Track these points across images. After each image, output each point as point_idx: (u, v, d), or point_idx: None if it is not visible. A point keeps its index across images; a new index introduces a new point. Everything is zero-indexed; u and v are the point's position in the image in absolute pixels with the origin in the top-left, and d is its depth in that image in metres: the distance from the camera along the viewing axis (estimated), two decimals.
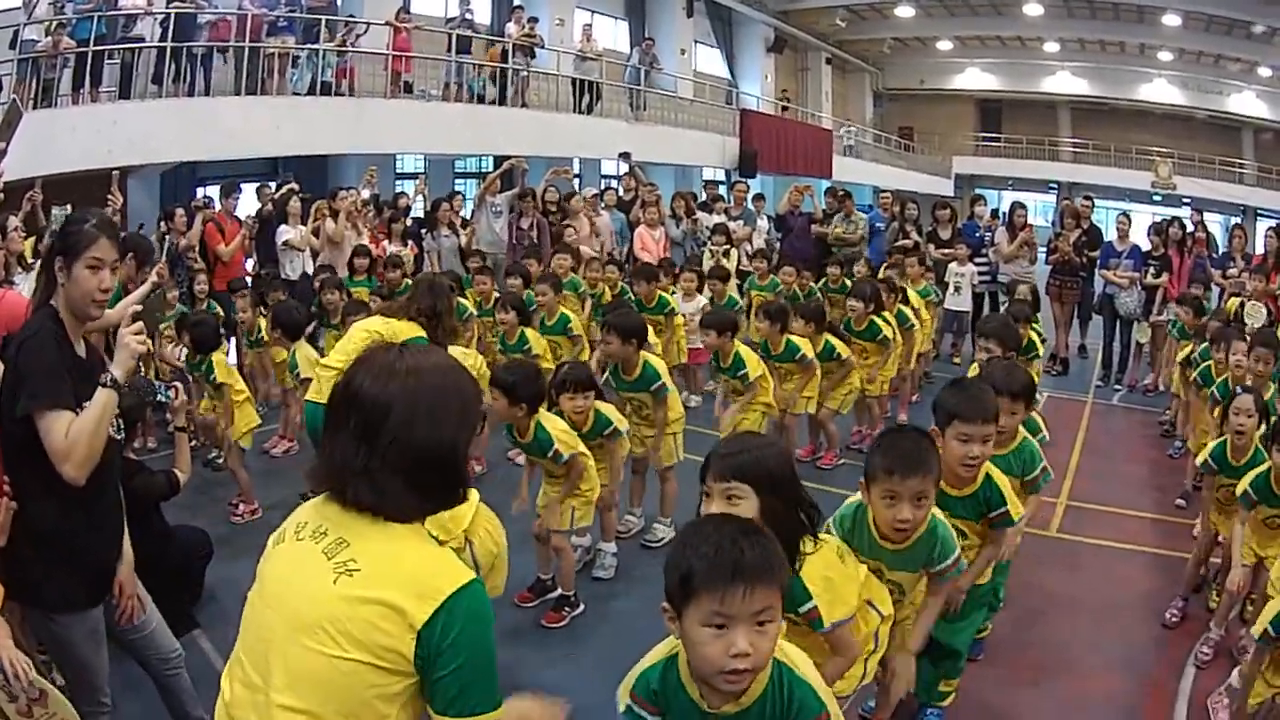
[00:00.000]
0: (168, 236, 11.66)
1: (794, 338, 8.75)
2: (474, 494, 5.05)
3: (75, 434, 3.49)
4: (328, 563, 2.43)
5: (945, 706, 5.24)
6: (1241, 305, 11.15)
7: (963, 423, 4.53)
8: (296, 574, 2.50)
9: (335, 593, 2.38)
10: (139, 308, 4.79)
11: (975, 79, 44.16)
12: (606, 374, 7.65)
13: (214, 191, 13.84)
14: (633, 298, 10.89)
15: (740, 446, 3.64)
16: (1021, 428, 5.45)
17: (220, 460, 8.85)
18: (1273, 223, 17.68)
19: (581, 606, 6.58)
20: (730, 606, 2.52)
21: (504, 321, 9.32)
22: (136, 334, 3.71)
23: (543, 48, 22.16)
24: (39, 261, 4.51)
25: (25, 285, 7.07)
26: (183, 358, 8.58)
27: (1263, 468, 5.86)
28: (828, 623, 3.60)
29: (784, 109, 33.77)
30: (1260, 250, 13.77)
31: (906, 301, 11.49)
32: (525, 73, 21.22)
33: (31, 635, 4.14)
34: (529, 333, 9.43)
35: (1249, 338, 8.23)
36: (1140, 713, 5.54)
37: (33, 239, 9.28)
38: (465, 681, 2.38)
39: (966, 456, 4.55)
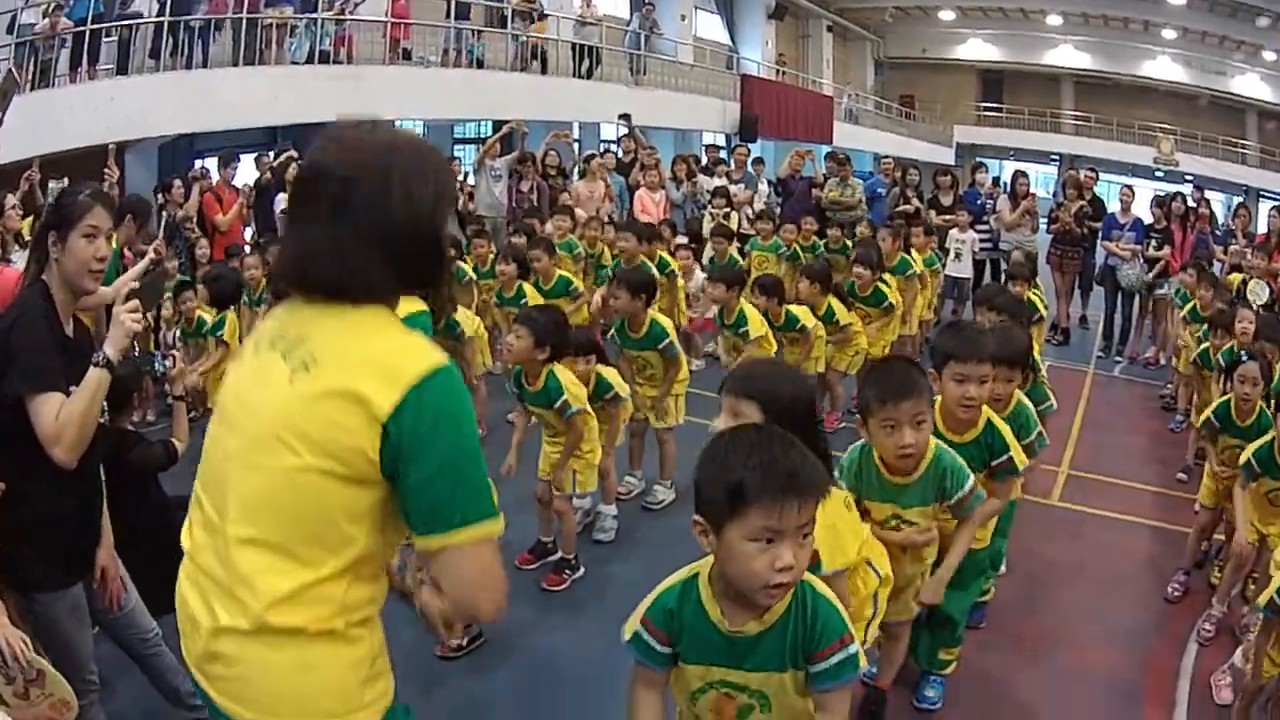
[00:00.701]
0: (165, 208, 11.61)
1: (794, 308, 8.67)
2: None
3: (66, 417, 3.41)
4: (284, 364, 2.25)
5: (946, 675, 5.23)
6: (1244, 283, 11.10)
7: (958, 363, 4.57)
8: (253, 388, 2.33)
9: (291, 393, 2.20)
10: (135, 285, 4.73)
11: (977, 49, 44.01)
12: (611, 333, 7.60)
13: (212, 163, 13.77)
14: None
15: (758, 370, 3.61)
16: (1020, 394, 5.45)
17: None
18: (1275, 203, 17.65)
19: (582, 569, 6.56)
20: (784, 520, 2.49)
21: (503, 273, 9.29)
22: (132, 312, 3.64)
23: (544, 16, 22.01)
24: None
25: (22, 262, 7.05)
26: (178, 333, 8.60)
27: (1266, 438, 5.82)
28: (827, 568, 3.47)
29: (780, 74, 33.59)
30: (1263, 229, 13.75)
31: (909, 250, 11.57)
32: (524, 37, 21.11)
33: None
34: (526, 286, 9.42)
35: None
36: (1141, 688, 5.51)
37: (30, 218, 9.24)
38: (448, 484, 2.17)
39: (963, 397, 4.58)
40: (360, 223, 2.22)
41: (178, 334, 9.20)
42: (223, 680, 2.32)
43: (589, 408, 6.40)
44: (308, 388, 2.19)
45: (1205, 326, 9.25)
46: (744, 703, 2.77)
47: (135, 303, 3.71)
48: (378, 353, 2.21)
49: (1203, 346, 9.00)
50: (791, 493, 2.49)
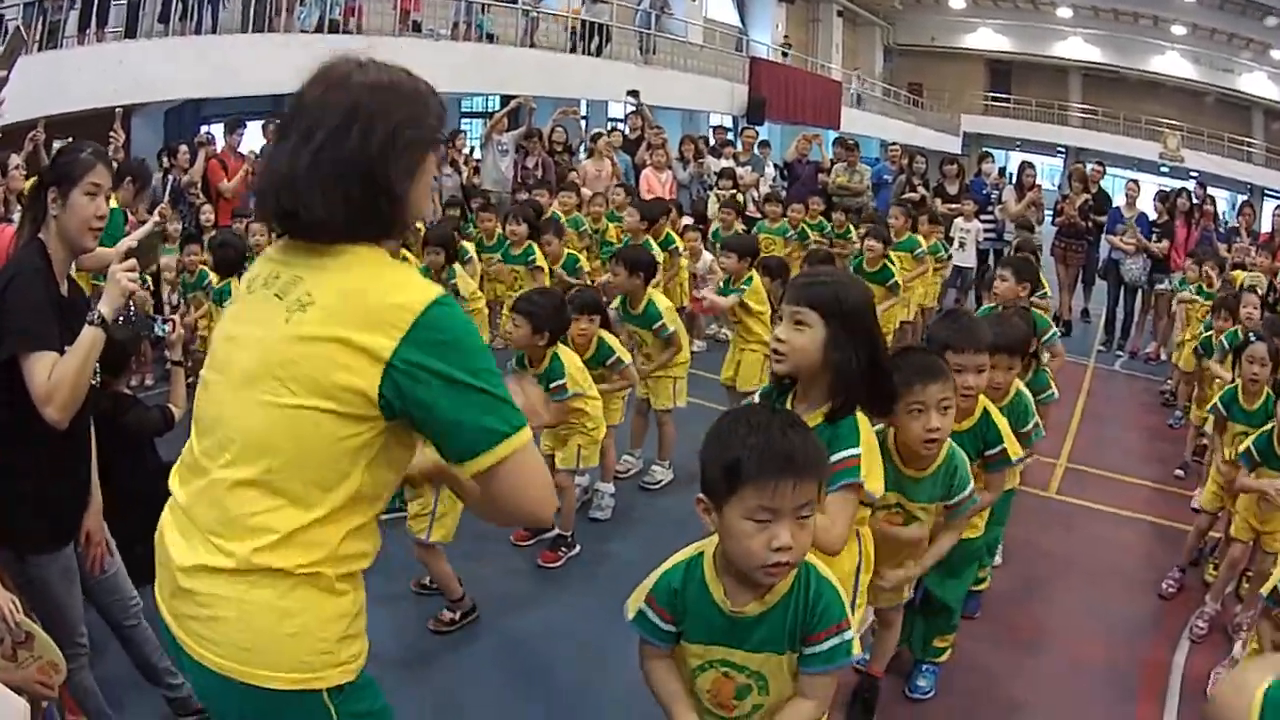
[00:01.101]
0: (170, 173, 11.58)
1: None
2: None
3: (59, 375, 3.38)
4: (279, 304, 2.24)
5: (940, 663, 5.22)
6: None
7: (955, 353, 4.49)
8: (247, 327, 2.32)
9: (287, 332, 2.19)
10: (134, 244, 4.72)
11: (986, 39, 44.03)
12: (616, 303, 7.58)
13: (218, 129, 13.74)
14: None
15: (818, 276, 3.56)
16: (1019, 383, 5.42)
17: None
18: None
19: (578, 547, 6.55)
20: (778, 500, 2.50)
21: (514, 233, 9.29)
22: (129, 270, 3.62)
23: None
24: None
25: None
26: (180, 288, 8.59)
27: (1267, 426, 5.82)
28: (866, 485, 3.39)
29: (784, 54, 33.49)
30: (1267, 228, 13.74)
31: (916, 229, 11.72)
32: (534, 13, 21.06)
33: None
34: (535, 246, 9.46)
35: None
36: (1134, 683, 5.51)
37: (35, 178, 9.20)
38: (469, 408, 2.16)
39: (961, 386, 4.43)
40: (318, 154, 2.22)
41: (180, 291, 9.20)
42: (192, 620, 2.30)
43: (593, 391, 6.39)
44: (305, 328, 2.18)
45: (1209, 316, 9.21)
46: (742, 683, 2.77)
47: (132, 261, 3.70)
48: (374, 291, 2.20)
49: (1205, 334, 8.99)
50: (788, 473, 2.49)
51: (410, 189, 2.32)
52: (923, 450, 4.11)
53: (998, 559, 6.41)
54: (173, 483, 2.46)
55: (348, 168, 2.22)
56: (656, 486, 7.68)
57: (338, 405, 2.15)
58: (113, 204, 8.53)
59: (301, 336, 2.18)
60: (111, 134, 10.34)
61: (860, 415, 3.44)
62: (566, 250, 9.89)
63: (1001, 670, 5.52)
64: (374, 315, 2.15)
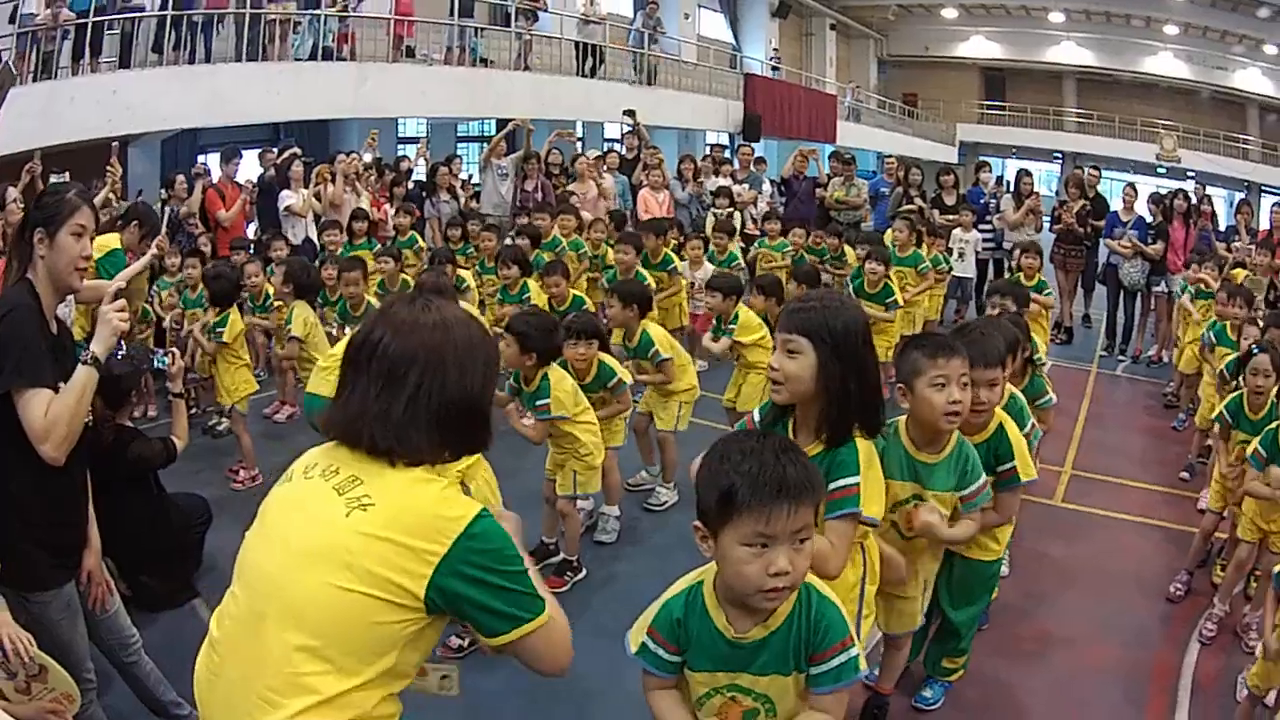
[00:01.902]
0: (169, 204, 11.60)
1: None
2: None
3: (55, 414, 3.43)
4: (339, 498, 2.40)
5: (952, 681, 5.24)
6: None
7: (969, 368, 4.44)
8: (305, 508, 2.47)
9: (348, 525, 2.34)
10: (124, 285, 4.74)
11: (980, 47, 44.04)
12: (617, 338, 7.60)
13: (214, 159, 13.77)
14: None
15: (810, 302, 3.52)
16: (1011, 386, 5.38)
17: (220, 427, 8.86)
18: (1277, 199, 17.62)
19: (584, 571, 6.56)
20: (773, 526, 2.50)
21: (505, 277, 9.31)
22: (119, 310, 3.65)
23: (546, 11, 22.02)
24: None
25: None
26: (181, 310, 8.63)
27: (1272, 425, 5.82)
28: (865, 512, 3.45)
29: (774, 68, 33.45)
30: (1265, 226, 13.74)
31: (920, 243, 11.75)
32: (527, 36, 21.10)
33: None
34: (530, 283, 9.46)
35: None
36: (1143, 688, 5.51)
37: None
38: (500, 602, 2.39)
39: (974, 402, 4.45)
40: (416, 400, 2.45)
41: (179, 304, 9.23)
42: None
43: (579, 416, 6.37)
44: (364, 528, 2.34)
45: (1213, 322, 9.18)
46: (749, 706, 2.76)
47: (122, 301, 3.73)
48: (426, 505, 2.39)
49: (1211, 320, 8.99)
50: (782, 499, 2.50)
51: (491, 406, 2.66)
52: (943, 425, 4.15)
53: (1004, 569, 6.38)
54: (214, 624, 2.60)
55: (455, 407, 2.49)
56: (662, 508, 7.69)
57: (386, 594, 2.32)
58: (116, 244, 8.59)
59: (362, 534, 2.33)
60: (109, 167, 10.37)
61: (859, 439, 3.48)
62: (572, 292, 9.88)
63: (1010, 679, 5.53)
64: (428, 525, 2.35)
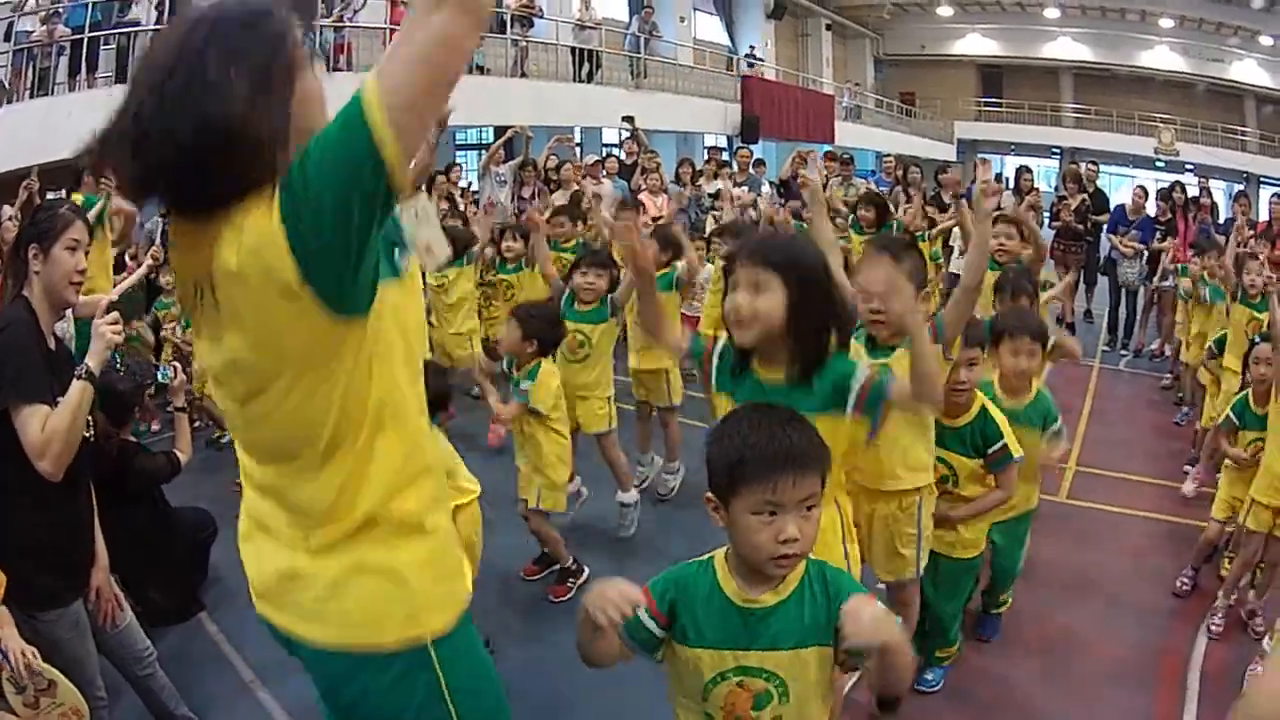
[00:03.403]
0: (166, 217, 11.60)
1: None
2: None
3: (51, 429, 3.44)
4: None
5: (946, 665, 5.42)
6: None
7: (965, 348, 4.72)
8: None
9: None
10: (114, 298, 4.77)
11: (976, 44, 44.09)
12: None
13: None
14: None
15: (777, 240, 3.62)
16: (1038, 383, 5.49)
17: (224, 440, 8.87)
18: (1275, 190, 17.58)
19: (586, 572, 6.46)
20: (780, 494, 2.52)
21: (510, 248, 9.31)
22: (112, 324, 3.66)
23: (541, 17, 22.06)
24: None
25: None
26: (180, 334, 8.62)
27: (1243, 393, 6.10)
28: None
29: (751, 65, 33.39)
30: (1265, 217, 13.75)
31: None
32: (523, 42, 21.12)
33: None
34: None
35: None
36: (1151, 682, 5.51)
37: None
38: None
39: (956, 381, 4.71)
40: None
41: (181, 320, 9.25)
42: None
43: (552, 418, 6.24)
44: None
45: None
46: (760, 689, 2.70)
47: (115, 315, 3.74)
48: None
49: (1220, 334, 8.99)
50: (788, 468, 2.52)
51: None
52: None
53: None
54: None
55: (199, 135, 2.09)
56: (670, 494, 7.76)
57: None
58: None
59: None
60: (103, 180, 10.37)
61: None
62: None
63: (1018, 676, 5.53)
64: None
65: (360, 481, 2.26)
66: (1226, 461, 6.58)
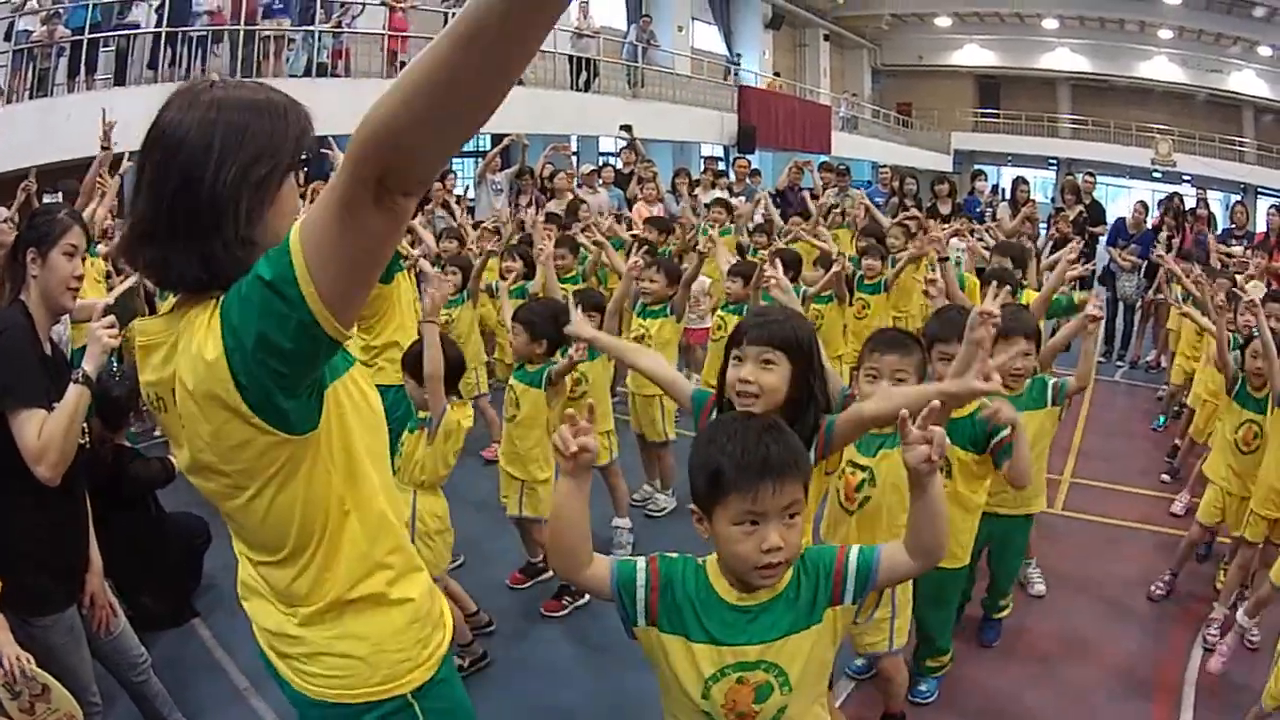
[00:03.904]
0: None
1: None
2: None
3: (48, 434, 3.42)
4: None
5: (940, 675, 5.44)
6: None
7: (943, 344, 4.88)
8: None
9: None
10: (110, 302, 4.77)
11: (974, 55, 44.16)
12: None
13: None
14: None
15: (774, 316, 3.64)
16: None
17: None
18: (1273, 201, 17.59)
19: (586, 596, 6.33)
20: (761, 504, 2.55)
21: (509, 269, 9.31)
22: (108, 327, 3.66)
23: None
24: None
25: None
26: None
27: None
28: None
29: (728, 72, 33.38)
30: (1262, 228, 13.78)
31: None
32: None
33: None
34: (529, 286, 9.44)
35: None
36: (1148, 692, 5.52)
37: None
38: None
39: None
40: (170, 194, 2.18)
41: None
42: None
43: (561, 385, 6.21)
44: None
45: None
46: (761, 681, 2.70)
47: (111, 319, 3.73)
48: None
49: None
50: (767, 476, 2.55)
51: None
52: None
53: (1041, 588, 6.66)
54: None
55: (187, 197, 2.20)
56: (661, 514, 7.78)
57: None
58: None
59: None
60: (100, 181, 10.35)
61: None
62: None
63: (1014, 687, 5.53)
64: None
65: (328, 572, 2.37)
66: (1212, 471, 6.59)
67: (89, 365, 3.57)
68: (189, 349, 2.09)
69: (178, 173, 2.14)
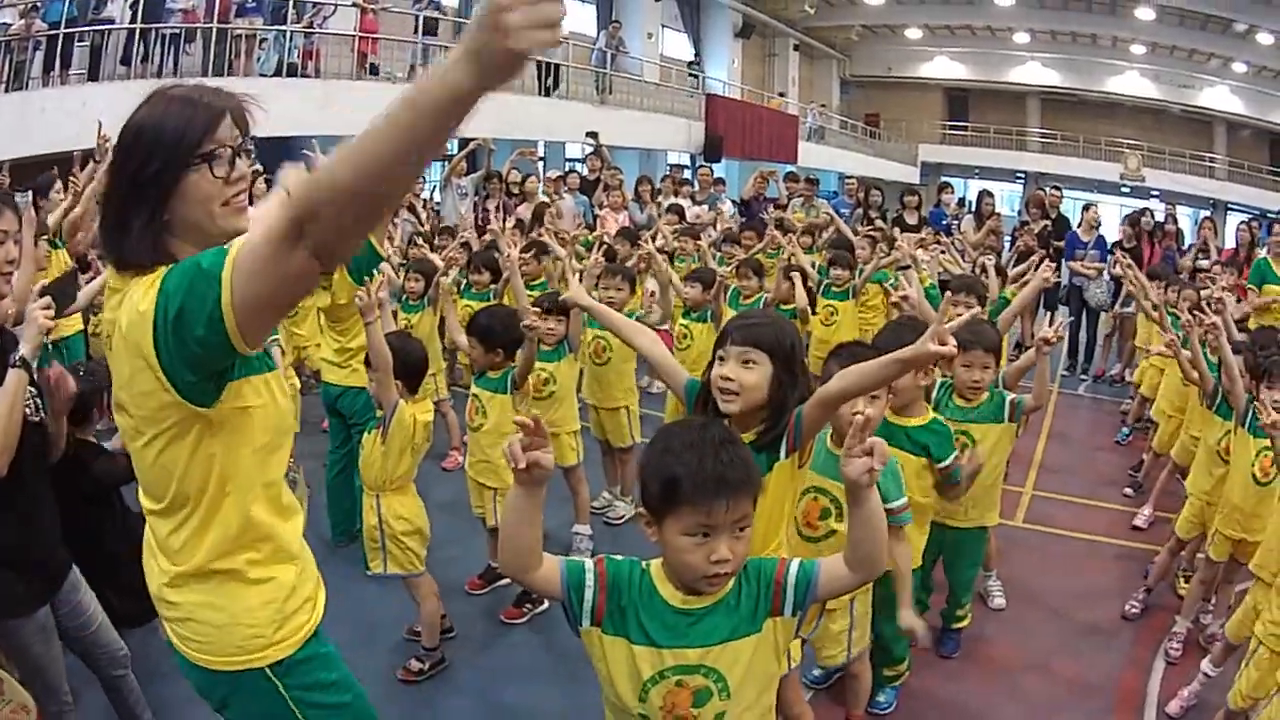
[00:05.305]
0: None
1: None
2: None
3: None
4: None
5: (897, 686, 5.45)
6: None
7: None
8: None
9: None
10: (46, 281, 4.73)
11: (943, 68, 44.38)
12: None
13: None
14: None
15: (759, 318, 3.72)
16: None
17: None
18: (1243, 217, 17.66)
19: (546, 603, 6.24)
20: (714, 518, 2.55)
21: (477, 282, 9.26)
22: (45, 309, 3.59)
23: None
24: None
25: None
26: None
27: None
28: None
29: (691, 74, 33.39)
30: (1231, 244, 13.85)
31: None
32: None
33: None
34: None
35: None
36: (1109, 707, 5.50)
37: None
38: None
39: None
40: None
41: None
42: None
43: (527, 386, 6.25)
44: None
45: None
46: (699, 686, 2.69)
47: (48, 300, 3.67)
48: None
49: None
50: (721, 492, 2.55)
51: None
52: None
53: (1001, 600, 6.67)
54: None
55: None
56: (619, 521, 7.74)
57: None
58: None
59: None
60: (72, 177, 10.29)
61: None
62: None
63: (975, 698, 5.52)
64: None
65: (198, 538, 2.61)
66: (1194, 486, 6.59)
67: (25, 347, 3.51)
68: (132, 297, 2.41)
69: (116, 166, 2.60)
